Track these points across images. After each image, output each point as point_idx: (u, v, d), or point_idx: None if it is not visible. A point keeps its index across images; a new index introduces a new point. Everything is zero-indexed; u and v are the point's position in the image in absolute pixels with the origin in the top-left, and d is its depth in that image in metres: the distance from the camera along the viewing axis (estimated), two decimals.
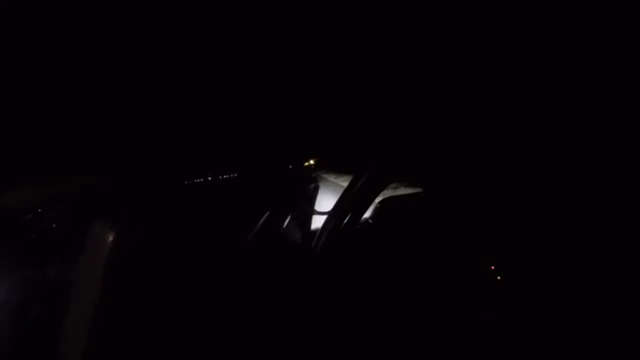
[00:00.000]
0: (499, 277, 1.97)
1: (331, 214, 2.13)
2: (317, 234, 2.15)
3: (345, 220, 2.06)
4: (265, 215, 1.93)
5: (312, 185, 2.31)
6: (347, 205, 2.06)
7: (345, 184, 2.14)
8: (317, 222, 2.20)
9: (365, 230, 2.47)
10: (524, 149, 1.97)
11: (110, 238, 0.98)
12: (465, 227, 2.19)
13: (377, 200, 2.39)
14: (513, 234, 2.03)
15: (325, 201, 2.12)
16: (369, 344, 1.81)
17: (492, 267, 1.99)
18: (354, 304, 1.98)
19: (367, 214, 2.47)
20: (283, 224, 2.04)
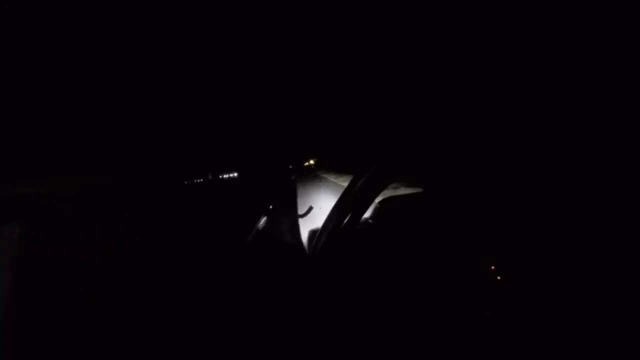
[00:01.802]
0: (499, 277, 1.97)
1: (331, 214, 2.13)
2: (317, 234, 2.15)
3: (345, 220, 2.06)
4: (265, 215, 1.94)
5: (291, 187, 2.32)
6: (347, 205, 2.06)
7: (345, 184, 2.13)
8: (312, 223, 2.20)
9: (365, 230, 2.47)
10: (524, 149, 1.97)
11: (12, 244, 1.00)
12: (465, 227, 2.19)
13: (377, 200, 2.39)
14: (513, 234, 2.03)
15: (326, 201, 2.12)
16: (369, 344, 1.81)
17: (492, 267, 1.99)
18: (353, 303, 1.98)
19: (367, 214, 2.47)
20: (266, 226, 2.04)
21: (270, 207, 1.98)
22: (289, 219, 2.13)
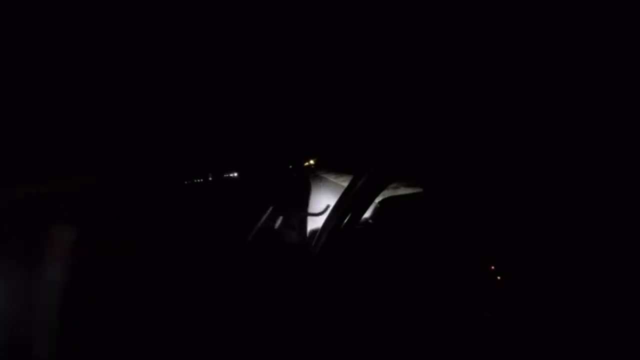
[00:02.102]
0: (499, 277, 1.97)
1: (331, 214, 2.13)
2: (317, 234, 2.15)
3: (345, 220, 2.06)
4: (265, 215, 1.94)
5: (304, 185, 2.31)
6: (347, 205, 2.06)
7: (345, 184, 2.13)
8: (312, 222, 2.20)
9: (365, 230, 2.47)
10: (524, 149, 1.97)
11: (65, 245, 1.00)
12: (465, 227, 2.19)
13: (377, 200, 2.39)
14: (513, 234, 2.03)
15: (325, 201, 2.12)
16: (369, 344, 1.81)
17: (492, 267, 1.99)
18: (353, 304, 1.98)
19: (367, 214, 2.47)
20: (274, 225, 2.04)
21: (271, 207, 1.98)
22: (297, 218, 2.12)
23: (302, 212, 2.13)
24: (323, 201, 2.26)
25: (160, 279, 1.28)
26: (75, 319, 1.19)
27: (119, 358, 1.14)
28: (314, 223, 2.30)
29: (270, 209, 1.96)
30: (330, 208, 2.17)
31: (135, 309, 1.20)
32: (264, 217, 1.93)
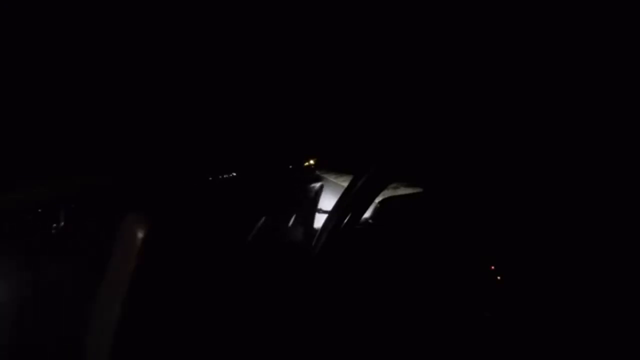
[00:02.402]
0: (499, 277, 1.97)
1: (331, 214, 2.13)
2: (317, 233, 2.15)
3: (345, 220, 2.06)
4: (266, 215, 1.93)
5: (317, 184, 2.31)
6: (347, 205, 2.06)
7: (345, 184, 2.13)
8: (321, 221, 2.20)
9: (365, 230, 2.47)
10: (524, 150, 1.97)
11: (142, 232, 0.98)
12: (465, 227, 2.19)
13: (377, 200, 2.39)
14: (513, 234, 2.03)
15: (325, 201, 2.12)
16: (369, 344, 1.81)
17: (492, 267, 1.99)
18: (353, 303, 1.98)
19: (367, 214, 2.47)
20: (288, 223, 2.04)
21: (273, 207, 1.98)
22: (309, 216, 2.12)
23: (314, 210, 2.14)
24: (324, 201, 2.26)
25: (160, 278, 1.27)
26: (75, 319, 1.19)
27: (119, 357, 1.14)
28: (318, 222, 2.30)
29: (270, 209, 1.96)
30: (328, 208, 2.17)
31: (135, 308, 1.20)
32: (265, 218, 1.92)
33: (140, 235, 0.99)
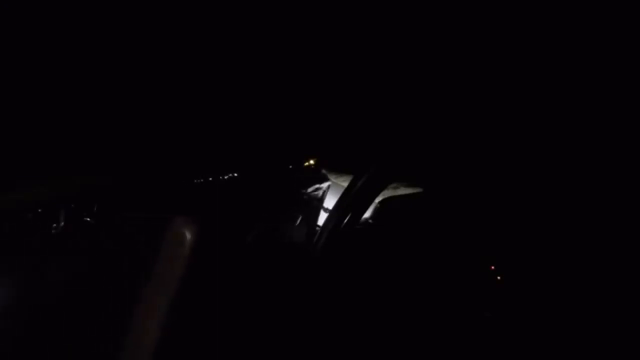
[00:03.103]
0: (499, 277, 1.97)
1: (331, 214, 2.13)
2: (317, 233, 2.15)
3: (345, 220, 2.06)
4: (266, 215, 1.93)
5: (325, 184, 2.30)
6: (347, 205, 2.06)
7: (345, 184, 2.14)
8: (323, 220, 2.20)
9: (365, 230, 2.47)
10: (524, 150, 1.97)
11: (190, 236, 1.00)
12: (465, 227, 2.19)
13: (377, 200, 2.39)
14: (513, 234, 2.03)
15: (326, 201, 2.12)
16: (369, 343, 1.81)
17: (492, 267, 1.99)
18: (354, 303, 1.98)
19: (367, 214, 2.47)
20: (294, 223, 2.04)
21: (272, 207, 1.98)
22: (312, 216, 2.12)
23: (318, 210, 2.14)
24: (323, 201, 2.26)
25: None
26: (75, 318, 1.19)
27: (120, 357, 1.14)
28: (322, 221, 2.29)
29: (270, 208, 1.96)
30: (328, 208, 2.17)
31: (135, 309, 1.20)
32: (264, 217, 1.92)
33: (189, 237, 1.01)
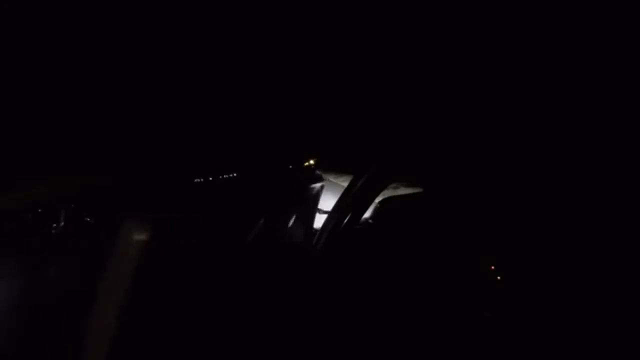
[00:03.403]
0: (499, 277, 1.97)
1: (331, 214, 2.13)
2: (317, 233, 2.15)
3: (345, 220, 2.06)
4: (266, 215, 1.93)
5: (318, 184, 2.30)
6: (347, 205, 2.06)
7: (345, 184, 2.14)
8: (321, 221, 2.19)
9: (365, 230, 2.47)
10: (524, 150, 1.97)
11: (139, 237, 0.99)
12: (465, 227, 2.19)
13: (377, 200, 2.39)
14: (513, 234, 2.03)
15: (326, 201, 2.12)
16: (369, 343, 1.81)
17: (492, 267, 1.99)
18: (354, 303, 1.98)
19: (367, 214, 2.47)
20: (288, 223, 2.04)
21: (273, 207, 1.98)
22: (309, 216, 2.12)
23: (315, 210, 2.14)
24: (324, 201, 2.26)
25: (160, 279, 1.27)
26: (75, 319, 1.19)
27: (119, 357, 1.14)
28: (318, 222, 2.29)
29: (270, 208, 1.96)
30: (327, 208, 2.17)
31: (136, 309, 1.20)
32: (264, 217, 1.92)
33: (140, 238, 1.00)
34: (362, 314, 1.94)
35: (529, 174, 2.05)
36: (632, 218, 1.68)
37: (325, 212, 2.13)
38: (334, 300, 1.95)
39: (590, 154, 1.80)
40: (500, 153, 2.06)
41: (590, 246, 1.77)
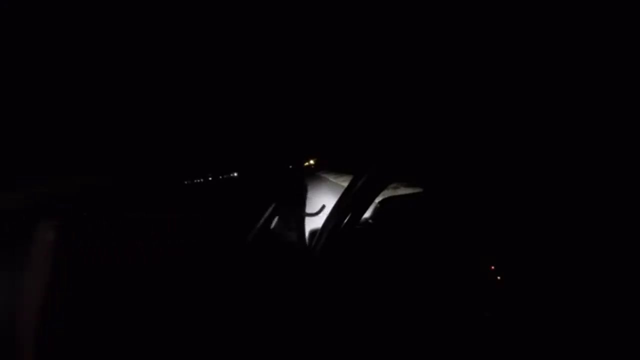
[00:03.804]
0: (499, 277, 1.97)
1: (331, 214, 2.13)
2: (317, 234, 2.15)
3: (345, 220, 2.06)
4: (265, 215, 1.93)
5: (300, 186, 2.27)
6: (347, 205, 2.06)
7: (345, 184, 2.13)
8: (311, 222, 2.18)
9: (365, 230, 2.47)
10: (524, 149, 1.97)
11: (49, 239, 0.98)
12: (465, 227, 2.19)
13: (377, 200, 2.39)
14: (513, 234, 2.03)
15: (326, 201, 2.12)
16: (369, 344, 1.81)
17: (492, 267, 1.99)
18: (353, 304, 1.98)
19: (367, 214, 2.47)
20: (288, 223, 2.03)
21: (271, 207, 1.98)
22: (294, 218, 2.11)
23: (300, 212, 2.12)
24: (322, 201, 2.26)
25: (160, 279, 1.27)
26: (74, 319, 1.19)
27: (120, 357, 1.14)
28: (313, 223, 2.29)
29: (271, 208, 1.96)
30: (327, 208, 2.16)
31: (135, 309, 1.20)
32: (264, 217, 1.92)
33: (48, 239, 0.99)
34: (362, 314, 1.94)
35: (529, 174, 2.05)
36: (633, 218, 1.68)
37: (310, 215, 2.10)
38: (333, 300, 1.95)
39: (591, 154, 1.80)
40: (501, 153, 2.06)
41: (590, 246, 1.77)
